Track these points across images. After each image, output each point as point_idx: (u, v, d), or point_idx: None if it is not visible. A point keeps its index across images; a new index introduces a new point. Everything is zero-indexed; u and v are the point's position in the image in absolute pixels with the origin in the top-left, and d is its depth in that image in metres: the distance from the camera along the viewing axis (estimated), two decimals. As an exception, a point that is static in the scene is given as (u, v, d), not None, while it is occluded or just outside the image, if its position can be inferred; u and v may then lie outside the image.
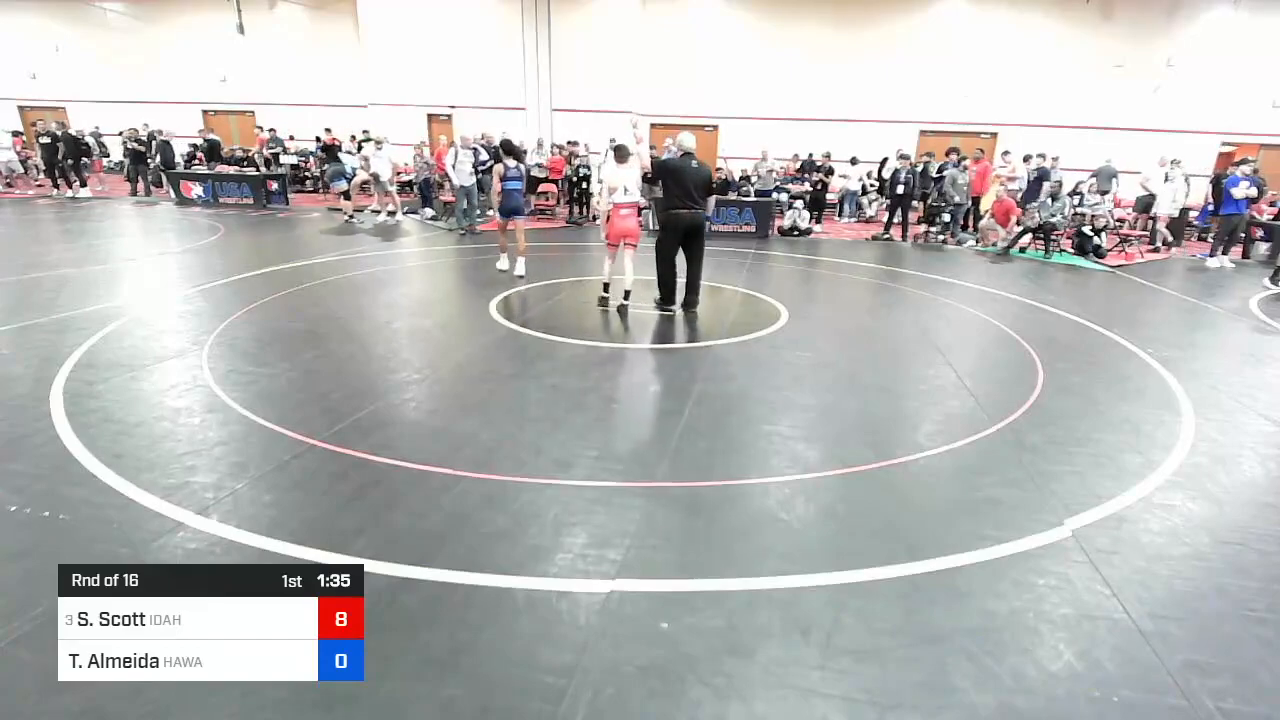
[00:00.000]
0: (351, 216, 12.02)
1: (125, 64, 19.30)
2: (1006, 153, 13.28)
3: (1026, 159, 12.80)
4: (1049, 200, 10.66)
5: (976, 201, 12.14)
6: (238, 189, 13.69)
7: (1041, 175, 12.01)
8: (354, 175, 12.27)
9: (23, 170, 14.75)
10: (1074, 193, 11.90)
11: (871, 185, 14.36)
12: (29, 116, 16.72)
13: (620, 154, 6.50)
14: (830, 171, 13.98)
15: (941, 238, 11.81)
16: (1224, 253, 10.47)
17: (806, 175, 14.08)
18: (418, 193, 13.33)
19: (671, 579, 2.52)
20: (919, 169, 12.03)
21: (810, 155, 14.80)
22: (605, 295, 6.56)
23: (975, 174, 11.81)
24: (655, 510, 2.98)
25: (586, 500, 3.04)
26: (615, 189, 6.29)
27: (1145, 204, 12.56)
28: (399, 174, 13.72)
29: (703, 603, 2.39)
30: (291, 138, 17.48)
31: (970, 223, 12.19)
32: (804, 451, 3.63)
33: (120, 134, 15.60)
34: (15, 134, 15.78)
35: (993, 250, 11.07)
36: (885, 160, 12.20)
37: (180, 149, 15.91)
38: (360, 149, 13.11)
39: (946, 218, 11.90)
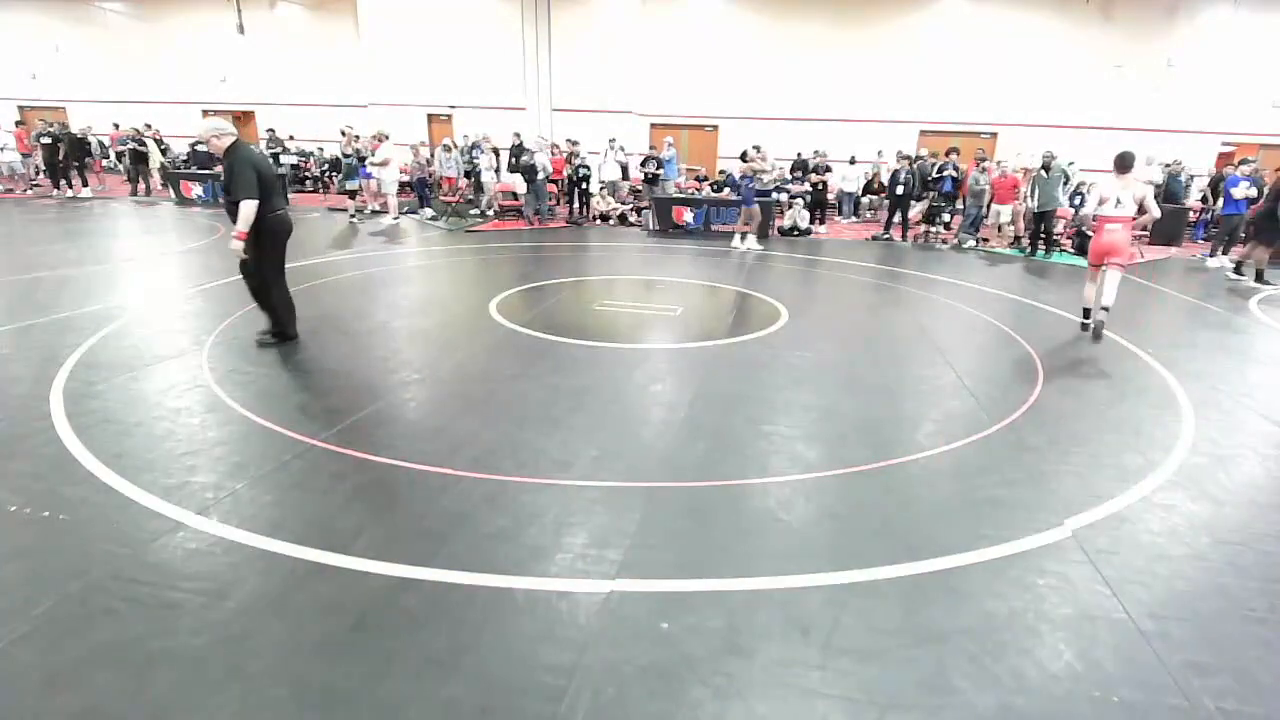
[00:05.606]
0: (354, 216, 12.04)
1: (125, 64, 19.33)
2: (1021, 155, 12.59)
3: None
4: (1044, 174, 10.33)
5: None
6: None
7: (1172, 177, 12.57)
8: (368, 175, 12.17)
9: (24, 170, 14.67)
10: (1076, 192, 11.85)
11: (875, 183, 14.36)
12: (29, 116, 16.67)
13: (1122, 163, 5.91)
14: (827, 170, 13.95)
15: (941, 237, 11.79)
16: (1224, 253, 10.47)
17: (804, 175, 14.03)
18: (415, 193, 13.31)
19: (671, 579, 2.52)
20: (933, 167, 12.00)
21: (799, 154, 14.73)
22: (1086, 321, 6.17)
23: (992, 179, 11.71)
24: (655, 510, 2.98)
25: (586, 500, 3.04)
26: (1106, 200, 5.87)
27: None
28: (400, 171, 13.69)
29: (703, 603, 2.39)
30: (291, 137, 17.49)
31: (979, 224, 12.12)
32: (804, 451, 3.63)
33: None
34: (19, 123, 15.58)
35: (1017, 253, 10.96)
36: (895, 172, 11.89)
37: (181, 148, 15.89)
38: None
39: (947, 217, 11.87)
